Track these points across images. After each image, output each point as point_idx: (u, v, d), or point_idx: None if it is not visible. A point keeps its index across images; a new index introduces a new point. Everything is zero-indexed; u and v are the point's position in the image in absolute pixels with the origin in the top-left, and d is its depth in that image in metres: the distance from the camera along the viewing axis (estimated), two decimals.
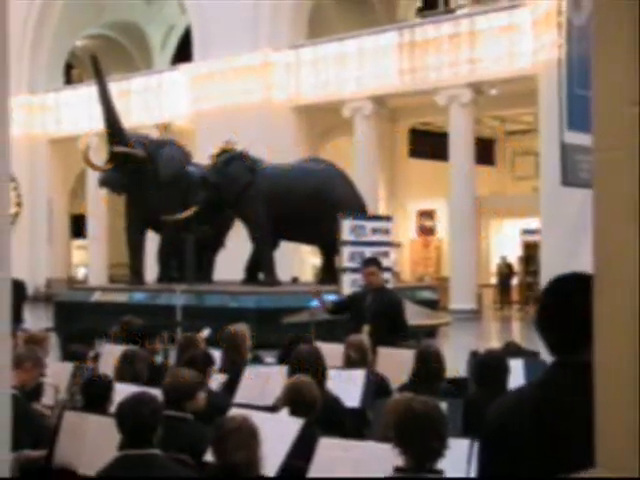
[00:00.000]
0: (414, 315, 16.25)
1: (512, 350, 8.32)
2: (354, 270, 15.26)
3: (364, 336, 8.45)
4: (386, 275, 15.61)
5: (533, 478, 2.71)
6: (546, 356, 3.25)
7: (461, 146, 27.69)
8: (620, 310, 1.70)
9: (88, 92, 31.03)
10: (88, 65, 30.24)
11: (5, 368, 3.48)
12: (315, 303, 14.38)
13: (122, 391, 5.96)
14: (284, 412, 5.87)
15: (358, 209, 19.69)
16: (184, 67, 34.44)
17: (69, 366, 8.04)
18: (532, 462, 2.71)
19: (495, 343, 18.21)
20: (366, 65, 29.06)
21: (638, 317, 1.67)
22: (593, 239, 1.73)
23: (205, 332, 10.17)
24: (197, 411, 5.93)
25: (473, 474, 4.19)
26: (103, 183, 22.45)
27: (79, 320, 19.69)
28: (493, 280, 33.94)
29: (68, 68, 42.17)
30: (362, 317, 10.06)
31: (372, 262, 11.02)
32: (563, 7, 19.07)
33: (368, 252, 15.49)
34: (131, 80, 35.61)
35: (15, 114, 33.31)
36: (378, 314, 9.94)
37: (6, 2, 3.39)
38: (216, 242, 22.29)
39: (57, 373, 7.68)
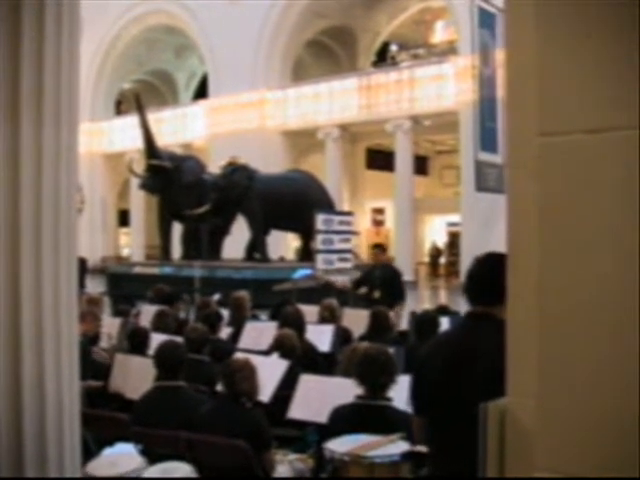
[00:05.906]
0: None
1: (441, 310, 8.34)
2: (326, 252, 15.20)
3: (334, 301, 8.41)
4: (348, 255, 15.64)
5: (441, 394, 2.80)
6: None
7: (403, 161, 27.72)
8: (526, 281, 1.70)
9: (132, 121, 30.75)
10: (132, 101, 30.02)
11: (74, 321, 3.48)
12: (297, 275, 14.34)
13: (156, 339, 5.97)
14: (274, 355, 5.87)
15: (328, 206, 19.71)
16: (202, 102, 34.38)
17: (118, 320, 8.03)
18: (441, 384, 2.81)
19: (428, 305, 18.23)
20: (334, 101, 29.00)
21: (539, 286, 1.68)
22: (507, 230, 1.73)
23: (216, 296, 10.15)
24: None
25: None
26: (142, 187, 22.28)
27: (124, 287, 19.59)
28: (426, 259, 34.05)
29: (118, 103, 41.93)
30: (374, 285, 10.27)
31: (377, 246, 11.94)
32: (476, 63, 19.20)
33: (336, 238, 15.42)
34: (163, 112, 35.35)
35: (80, 137, 33.02)
36: (385, 282, 10.23)
37: (79, 62, 3.41)
38: (224, 230, 22.14)
39: (110, 325, 7.66)
